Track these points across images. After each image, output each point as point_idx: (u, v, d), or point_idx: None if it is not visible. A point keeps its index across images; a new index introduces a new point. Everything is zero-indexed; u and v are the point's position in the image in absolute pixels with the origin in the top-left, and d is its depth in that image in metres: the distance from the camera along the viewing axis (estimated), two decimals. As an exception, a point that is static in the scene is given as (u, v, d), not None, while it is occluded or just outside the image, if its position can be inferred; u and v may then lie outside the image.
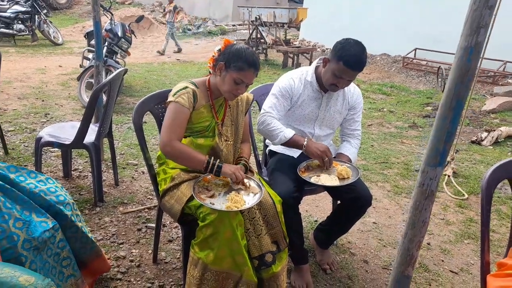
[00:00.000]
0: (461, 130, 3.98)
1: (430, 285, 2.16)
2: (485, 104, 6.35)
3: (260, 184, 1.78)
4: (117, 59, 5.51)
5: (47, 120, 4.36)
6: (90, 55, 5.57)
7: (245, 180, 1.77)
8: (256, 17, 9.58)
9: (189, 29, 13.99)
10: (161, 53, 9.91)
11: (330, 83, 1.98)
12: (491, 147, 4.56)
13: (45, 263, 1.49)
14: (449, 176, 3.52)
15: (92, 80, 4.35)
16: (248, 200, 1.68)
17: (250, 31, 9.93)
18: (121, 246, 2.29)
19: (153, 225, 2.41)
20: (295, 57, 8.90)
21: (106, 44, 5.30)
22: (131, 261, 2.16)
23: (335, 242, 2.42)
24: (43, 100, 5.11)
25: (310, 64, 2.21)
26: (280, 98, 2.07)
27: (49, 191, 1.62)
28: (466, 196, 3.23)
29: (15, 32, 9.15)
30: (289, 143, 2.00)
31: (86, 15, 15.06)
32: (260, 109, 2.16)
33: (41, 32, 9.60)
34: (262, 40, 9.60)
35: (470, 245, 2.57)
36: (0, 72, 3.14)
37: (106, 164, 3.30)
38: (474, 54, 0.96)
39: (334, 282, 2.14)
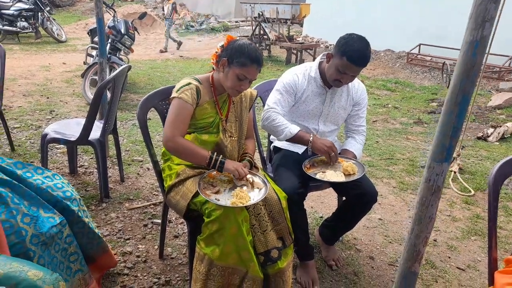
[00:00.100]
0: (467, 126, 3.95)
1: (437, 282, 2.16)
2: (490, 99, 6.30)
3: (265, 180, 1.79)
4: (120, 56, 5.52)
5: (52, 117, 4.38)
6: (94, 52, 5.59)
7: (248, 176, 1.78)
8: (259, 13, 9.54)
9: (192, 26, 13.96)
10: (164, 50, 9.91)
11: (333, 79, 1.97)
12: (497, 143, 4.53)
13: (53, 258, 1.50)
14: (455, 172, 3.51)
15: (96, 77, 4.36)
16: (253, 196, 1.68)
17: (253, 28, 9.90)
18: (127, 241, 2.30)
19: (159, 221, 2.42)
20: (299, 53, 8.87)
21: (110, 41, 5.30)
22: (138, 256, 2.18)
23: (340, 238, 2.42)
24: (48, 97, 5.14)
25: (313, 60, 2.20)
26: (284, 93, 2.07)
27: (56, 187, 1.64)
28: (473, 192, 3.21)
29: (18, 29, 9.19)
30: (294, 139, 2.00)
31: (89, 12, 15.09)
32: (264, 105, 2.16)
33: (45, 29, 9.63)
34: (265, 37, 9.57)
35: (477, 242, 2.56)
36: (4, 70, 3.15)
37: (112, 160, 3.32)
38: (479, 49, 0.95)
39: (340, 278, 2.14)
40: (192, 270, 1.71)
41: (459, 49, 0.98)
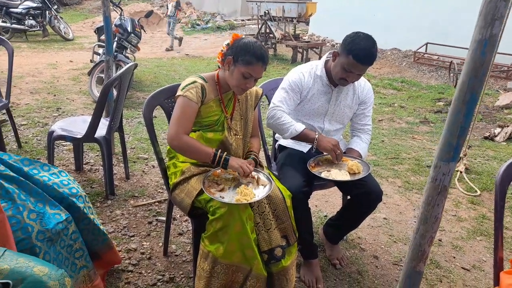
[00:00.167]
0: (473, 125, 3.92)
1: (441, 282, 2.15)
2: (498, 99, 6.23)
3: (270, 178, 1.79)
4: (127, 54, 5.54)
5: (59, 115, 4.41)
6: (100, 50, 5.62)
7: (253, 173, 1.78)
8: (265, 12, 9.53)
9: (198, 24, 13.97)
10: (170, 49, 9.93)
11: (339, 77, 1.96)
12: (505, 143, 4.49)
13: (58, 254, 1.52)
14: (461, 172, 3.48)
15: (103, 75, 4.39)
16: (258, 193, 1.68)
17: (259, 26, 9.89)
18: (132, 238, 2.31)
19: (164, 218, 2.43)
20: (304, 52, 8.84)
21: (116, 39, 5.33)
22: (142, 253, 2.19)
23: (345, 237, 2.41)
24: (54, 95, 5.18)
25: (319, 59, 2.19)
26: (289, 92, 2.06)
27: (62, 183, 1.65)
28: (479, 192, 3.18)
29: (26, 27, 9.28)
30: (299, 137, 2.00)
31: (96, 11, 15.17)
32: (269, 104, 2.16)
33: (52, 27, 9.70)
34: (271, 35, 9.55)
35: (483, 242, 2.54)
36: (12, 67, 3.18)
37: (117, 158, 3.34)
38: (488, 47, 0.94)
39: (344, 277, 2.13)
40: (196, 267, 1.72)
41: (467, 48, 0.97)
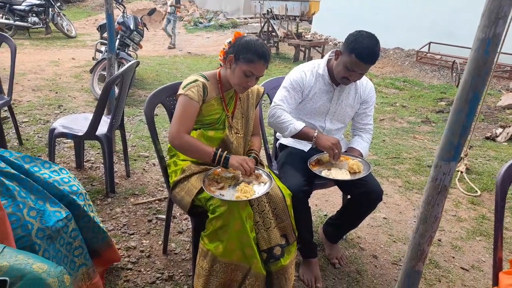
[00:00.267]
0: (475, 125, 3.90)
1: (440, 282, 2.14)
2: (500, 99, 6.21)
3: (270, 175, 1.78)
4: (129, 52, 5.55)
5: (61, 112, 4.42)
6: (103, 48, 5.62)
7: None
8: (267, 10, 9.52)
9: (201, 22, 13.97)
10: (172, 47, 9.93)
11: (341, 76, 1.96)
12: (506, 144, 4.47)
13: (57, 252, 1.52)
14: (462, 172, 3.47)
15: (105, 73, 4.39)
16: (258, 190, 1.68)
17: (262, 24, 9.88)
18: (131, 236, 2.32)
19: (164, 216, 2.43)
20: (307, 50, 8.82)
21: (119, 37, 5.34)
22: (142, 251, 2.19)
23: (344, 236, 2.41)
24: (56, 92, 5.18)
25: (321, 58, 2.19)
26: (291, 91, 2.06)
27: (62, 181, 1.65)
28: (479, 192, 3.17)
29: (29, 24, 9.30)
30: (299, 135, 1.99)
31: (99, 8, 15.18)
32: (271, 103, 2.15)
33: (55, 25, 9.72)
34: (274, 34, 9.54)
35: (482, 242, 2.53)
36: (15, 64, 3.18)
37: (118, 155, 3.34)
38: (491, 46, 0.93)
39: (343, 276, 2.13)
40: (195, 265, 1.72)
41: (470, 48, 0.96)
